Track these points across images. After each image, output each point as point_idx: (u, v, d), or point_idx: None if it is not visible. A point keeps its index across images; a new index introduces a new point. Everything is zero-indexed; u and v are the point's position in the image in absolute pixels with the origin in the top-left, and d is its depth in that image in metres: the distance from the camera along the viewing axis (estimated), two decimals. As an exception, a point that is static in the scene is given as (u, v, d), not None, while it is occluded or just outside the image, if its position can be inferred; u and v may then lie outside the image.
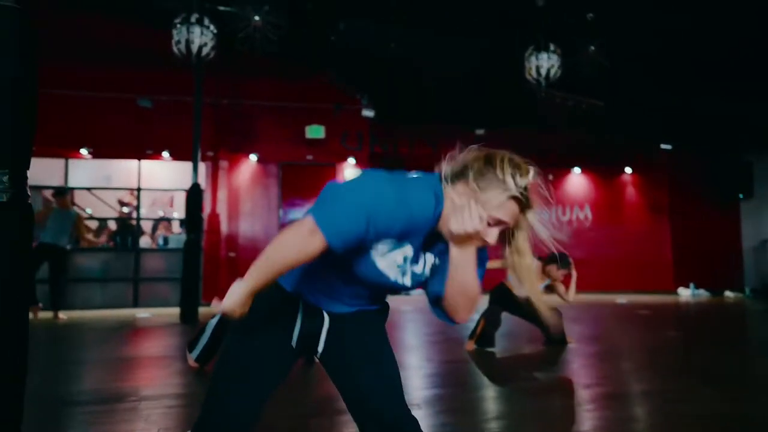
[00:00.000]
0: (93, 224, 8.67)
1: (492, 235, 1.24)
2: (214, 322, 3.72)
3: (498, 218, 1.23)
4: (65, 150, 8.72)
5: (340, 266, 1.30)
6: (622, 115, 10.35)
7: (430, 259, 1.35)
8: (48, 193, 8.47)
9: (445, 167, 1.29)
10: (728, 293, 11.42)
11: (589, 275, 9.86)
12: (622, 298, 10.30)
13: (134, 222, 9.18)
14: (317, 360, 1.48)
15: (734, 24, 7.50)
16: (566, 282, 4.97)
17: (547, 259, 4.84)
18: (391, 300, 1.55)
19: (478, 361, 4.33)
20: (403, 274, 1.32)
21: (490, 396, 3.36)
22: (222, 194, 9.49)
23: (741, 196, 11.79)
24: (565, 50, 7.58)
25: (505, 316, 4.96)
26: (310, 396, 3.20)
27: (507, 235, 1.30)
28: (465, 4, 7.46)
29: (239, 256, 9.35)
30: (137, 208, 9.19)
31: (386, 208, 1.18)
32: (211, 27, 6.69)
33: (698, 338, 5.85)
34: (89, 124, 8.66)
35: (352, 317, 1.42)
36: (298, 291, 1.38)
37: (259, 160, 9.63)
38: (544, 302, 1.34)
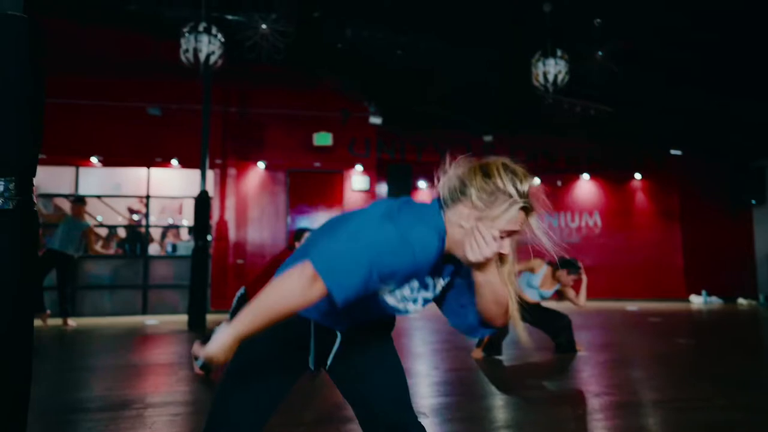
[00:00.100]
0: (103, 231, 8.73)
1: (507, 247, 1.23)
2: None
3: (509, 230, 1.22)
4: (76, 158, 8.81)
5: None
6: (631, 120, 10.28)
7: (440, 283, 1.35)
8: (60, 201, 8.56)
9: (442, 190, 1.26)
10: (741, 300, 11.26)
11: (599, 282, 9.77)
12: (632, 306, 10.18)
13: (143, 229, 9.23)
14: (324, 369, 1.47)
15: (745, 28, 7.44)
16: (576, 287, 4.93)
17: (557, 264, 4.80)
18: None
19: (486, 369, 4.28)
20: (414, 302, 1.32)
21: (498, 405, 3.32)
22: (230, 201, 9.53)
23: (753, 201, 11.64)
24: (573, 56, 7.55)
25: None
26: (316, 404, 3.18)
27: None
28: (472, 10, 7.46)
29: (247, 263, 9.36)
30: (146, 215, 9.25)
31: (390, 259, 1.15)
32: (219, 35, 6.74)
33: (711, 346, 5.76)
34: (99, 132, 8.75)
35: (359, 328, 1.42)
36: (307, 314, 1.36)
37: (266, 168, 9.67)
38: (517, 314, 1.30)
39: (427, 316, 7.78)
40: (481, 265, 1.21)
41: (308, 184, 9.89)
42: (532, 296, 4.85)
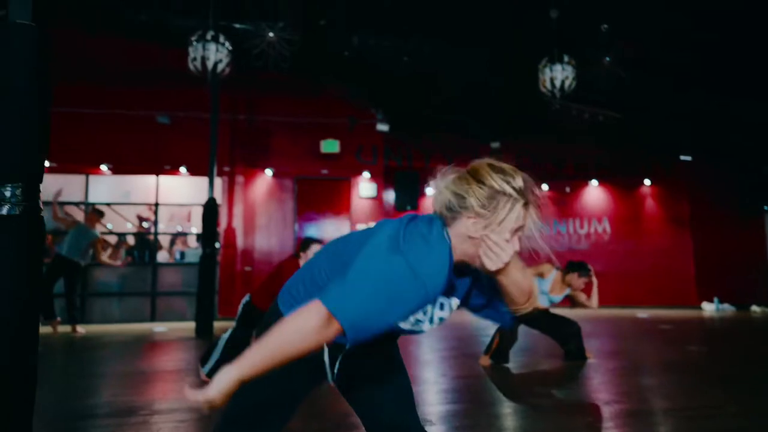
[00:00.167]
0: (112, 239, 8.79)
1: (518, 245, 1.23)
2: (226, 336, 3.72)
3: (517, 228, 1.22)
4: (86, 166, 8.89)
5: None
6: (639, 126, 10.22)
7: (455, 301, 1.35)
8: (70, 209, 8.63)
9: (436, 206, 1.25)
10: (755, 308, 11.09)
11: (609, 289, 9.66)
12: (642, 313, 10.07)
13: (152, 237, 9.29)
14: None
15: (755, 32, 7.39)
16: (587, 290, 4.88)
17: (567, 268, 4.77)
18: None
19: (494, 376, 4.24)
20: (431, 322, 1.33)
21: (506, 413, 3.28)
22: (238, 209, 9.57)
23: (766, 207, 11.51)
24: (581, 61, 7.53)
25: (523, 332, 4.87)
26: (322, 411, 3.16)
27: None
28: (478, 16, 7.47)
29: (255, 271, 9.38)
30: (155, 223, 9.31)
31: (402, 296, 1.14)
32: (226, 44, 6.80)
33: (723, 353, 5.68)
34: (109, 140, 8.83)
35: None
36: None
37: (274, 175, 9.70)
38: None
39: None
40: (501, 270, 1.21)
41: (316, 191, 9.91)
42: (541, 302, 4.79)
